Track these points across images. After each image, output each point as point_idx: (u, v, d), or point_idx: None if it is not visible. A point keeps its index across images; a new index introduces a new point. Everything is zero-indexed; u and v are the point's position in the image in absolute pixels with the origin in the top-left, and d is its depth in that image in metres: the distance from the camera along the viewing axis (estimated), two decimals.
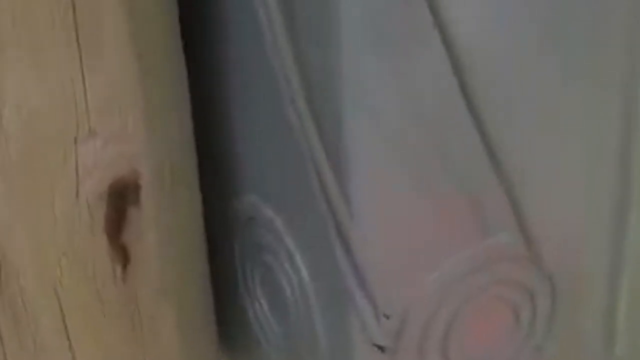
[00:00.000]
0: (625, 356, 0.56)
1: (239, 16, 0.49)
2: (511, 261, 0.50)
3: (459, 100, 0.45)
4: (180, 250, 0.52)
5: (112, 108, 0.47)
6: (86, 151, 0.46)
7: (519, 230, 0.49)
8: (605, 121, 0.50)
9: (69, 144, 0.45)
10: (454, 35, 0.44)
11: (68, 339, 0.50)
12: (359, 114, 0.45)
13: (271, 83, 0.48)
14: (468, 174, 0.47)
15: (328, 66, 0.45)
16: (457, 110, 0.46)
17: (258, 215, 0.54)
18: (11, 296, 0.47)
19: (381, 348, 0.49)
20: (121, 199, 0.48)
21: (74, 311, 0.49)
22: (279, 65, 0.47)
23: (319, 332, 0.51)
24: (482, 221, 0.49)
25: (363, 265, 0.48)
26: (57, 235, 0.46)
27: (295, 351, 0.55)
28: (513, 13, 0.45)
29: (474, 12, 0.45)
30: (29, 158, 0.44)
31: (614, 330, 0.56)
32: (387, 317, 0.48)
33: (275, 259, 0.54)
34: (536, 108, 0.48)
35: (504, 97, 0.47)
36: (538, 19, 0.46)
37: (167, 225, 0.51)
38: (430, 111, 0.46)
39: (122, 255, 0.49)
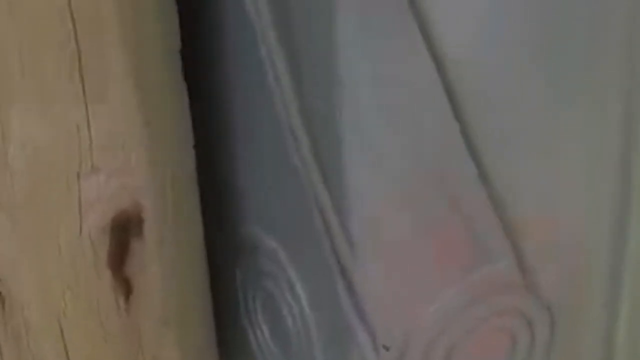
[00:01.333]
0: None
1: (245, 61, 0.50)
2: (509, 291, 0.51)
3: (456, 137, 0.46)
4: (183, 282, 0.53)
5: (115, 144, 0.47)
6: (89, 186, 0.46)
7: (515, 259, 0.50)
8: (602, 142, 0.50)
9: (72, 179, 0.46)
10: (451, 73, 0.45)
11: None
12: (360, 157, 0.46)
13: (276, 128, 0.49)
14: (466, 206, 0.48)
15: (331, 114, 0.46)
16: (454, 146, 0.46)
17: (261, 245, 0.54)
18: (15, 327, 0.48)
19: None
20: (124, 232, 0.49)
21: (77, 342, 0.49)
22: (284, 114, 0.48)
23: None
24: (478, 251, 0.49)
25: (363, 299, 0.48)
26: (62, 269, 0.47)
27: None
28: (505, 38, 0.46)
29: (469, 42, 0.45)
30: (34, 194, 0.45)
31: (612, 357, 0.56)
32: (387, 348, 0.49)
33: (276, 286, 0.54)
34: (532, 133, 0.48)
35: (499, 125, 0.47)
36: (531, 41, 0.46)
37: (169, 257, 0.51)
38: (429, 151, 0.46)
39: (125, 287, 0.49)
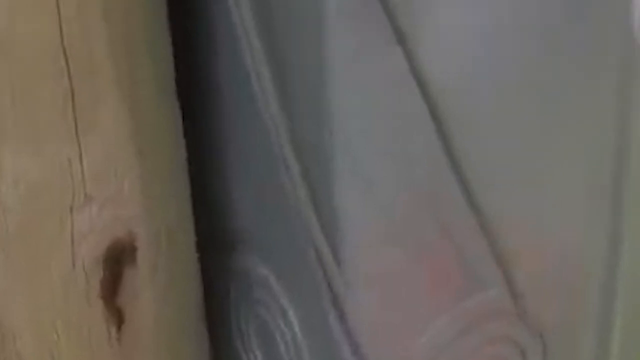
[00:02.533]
0: None
1: (238, 91, 0.50)
2: (500, 318, 0.51)
3: (445, 165, 0.46)
4: (176, 309, 0.53)
5: (107, 173, 0.48)
6: (82, 218, 0.47)
7: (506, 286, 0.50)
8: (594, 169, 0.50)
9: (65, 213, 0.46)
10: (441, 102, 0.45)
11: None
12: (351, 186, 0.46)
13: (267, 156, 0.49)
14: (456, 234, 0.48)
15: (322, 142, 0.46)
16: (444, 173, 0.47)
17: (254, 272, 0.55)
18: (8, 358, 0.48)
19: None
20: (117, 261, 0.49)
21: None
22: (275, 142, 0.48)
23: None
24: (470, 278, 0.49)
25: (355, 329, 0.48)
26: (54, 300, 0.47)
27: None
28: (494, 68, 0.46)
29: (457, 72, 0.45)
30: (27, 228, 0.45)
31: None
32: None
33: (269, 313, 0.54)
34: (521, 162, 0.49)
35: (488, 154, 0.47)
36: (521, 71, 0.47)
37: (162, 284, 0.51)
38: (419, 179, 0.47)
39: (117, 316, 0.50)
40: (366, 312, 0.48)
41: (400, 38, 0.43)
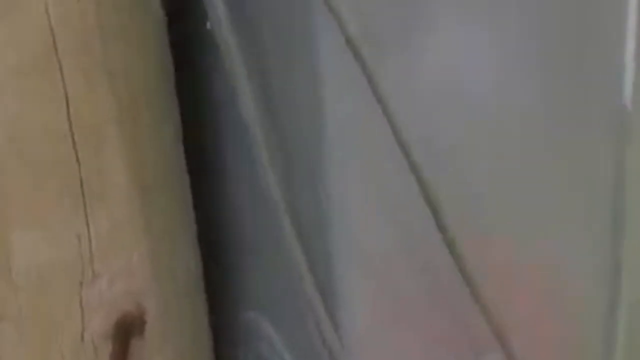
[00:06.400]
0: None
1: (244, 171, 0.52)
2: None
3: (437, 232, 0.48)
4: None
5: (116, 247, 0.49)
6: (91, 292, 0.48)
7: (504, 353, 0.51)
8: (588, 236, 0.52)
9: (74, 289, 0.47)
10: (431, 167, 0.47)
11: None
12: (347, 254, 0.48)
13: (269, 218, 0.51)
14: (452, 302, 0.50)
15: (319, 209, 0.48)
16: (436, 240, 0.48)
17: (259, 330, 0.56)
18: None
19: None
20: (126, 334, 0.50)
21: None
22: (273, 206, 0.50)
23: None
24: (468, 345, 0.50)
25: None
26: None
27: None
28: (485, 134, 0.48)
29: (445, 136, 0.47)
30: (38, 306, 0.46)
31: None
32: None
33: None
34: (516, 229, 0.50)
35: (480, 219, 0.49)
36: (515, 132, 0.49)
37: (171, 354, 0.53)
38: (413, 246, 0.48)
39: None
40: None
41: (384, 105, 0.45)
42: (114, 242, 0.49)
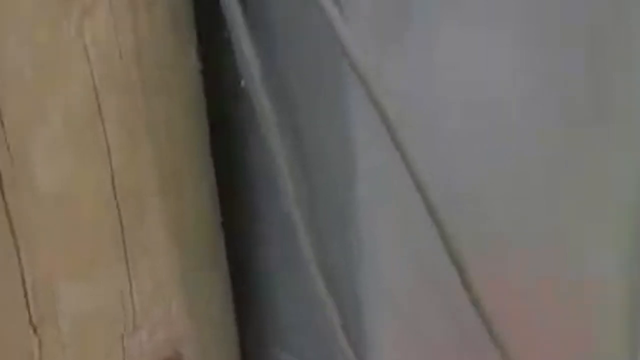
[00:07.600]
0: None
1: (274, 217, 0.54)
2: None
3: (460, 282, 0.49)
4: None
5: (156, 299, 0.51)
6: (133, 343, 0.50)
7: None
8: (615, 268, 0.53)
9: (117, 342, 0.49)
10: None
11: None
12: (375, 298, 0.50)
13: (299, 270, 0.52)
14: (478, 345, 0.51)
15: (348, 255, 0.50)
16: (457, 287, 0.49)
17: None
18: None
19: None
20: None
21: None
22: (304, 256, 0.51)
23: None
24: None
25: None
26: None
27: None
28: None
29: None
30: (80, 358, 0.48)
31: None
32: None
33: None
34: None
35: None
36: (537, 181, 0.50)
37: None
38: (441, 289, 0.50)
39: None
40: None
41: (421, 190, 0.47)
42: (155, 296, 0.51)
